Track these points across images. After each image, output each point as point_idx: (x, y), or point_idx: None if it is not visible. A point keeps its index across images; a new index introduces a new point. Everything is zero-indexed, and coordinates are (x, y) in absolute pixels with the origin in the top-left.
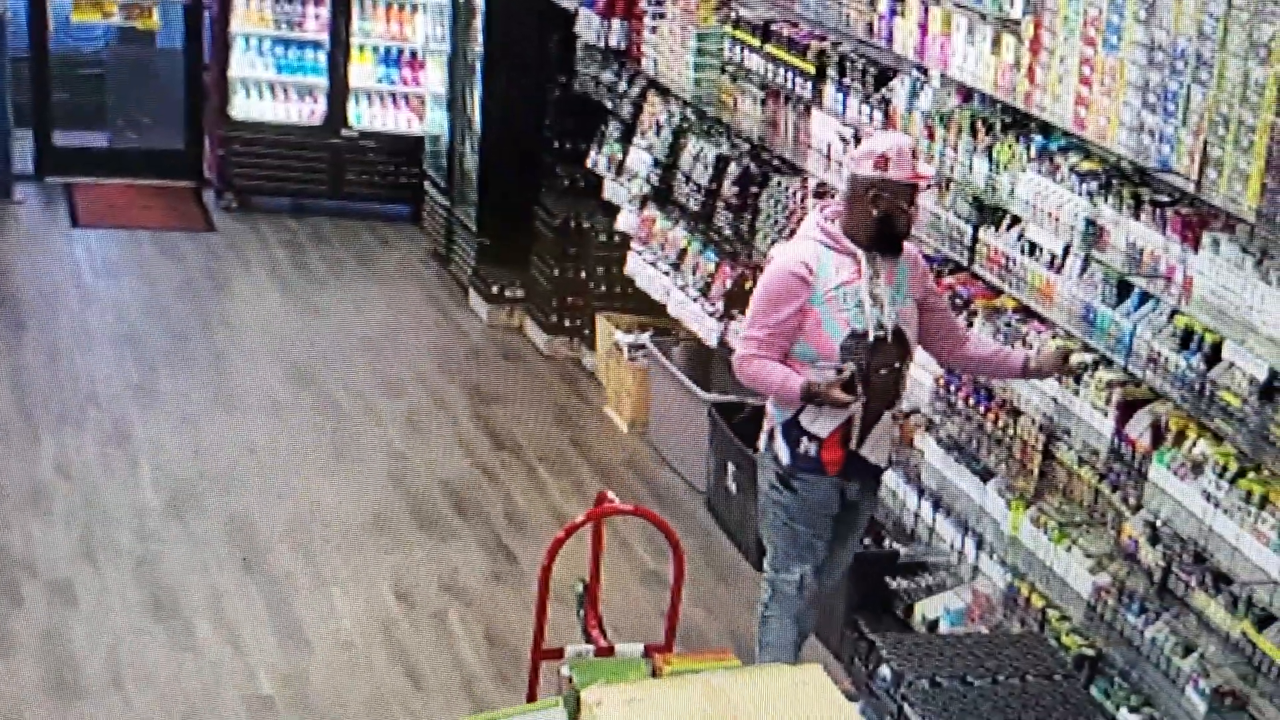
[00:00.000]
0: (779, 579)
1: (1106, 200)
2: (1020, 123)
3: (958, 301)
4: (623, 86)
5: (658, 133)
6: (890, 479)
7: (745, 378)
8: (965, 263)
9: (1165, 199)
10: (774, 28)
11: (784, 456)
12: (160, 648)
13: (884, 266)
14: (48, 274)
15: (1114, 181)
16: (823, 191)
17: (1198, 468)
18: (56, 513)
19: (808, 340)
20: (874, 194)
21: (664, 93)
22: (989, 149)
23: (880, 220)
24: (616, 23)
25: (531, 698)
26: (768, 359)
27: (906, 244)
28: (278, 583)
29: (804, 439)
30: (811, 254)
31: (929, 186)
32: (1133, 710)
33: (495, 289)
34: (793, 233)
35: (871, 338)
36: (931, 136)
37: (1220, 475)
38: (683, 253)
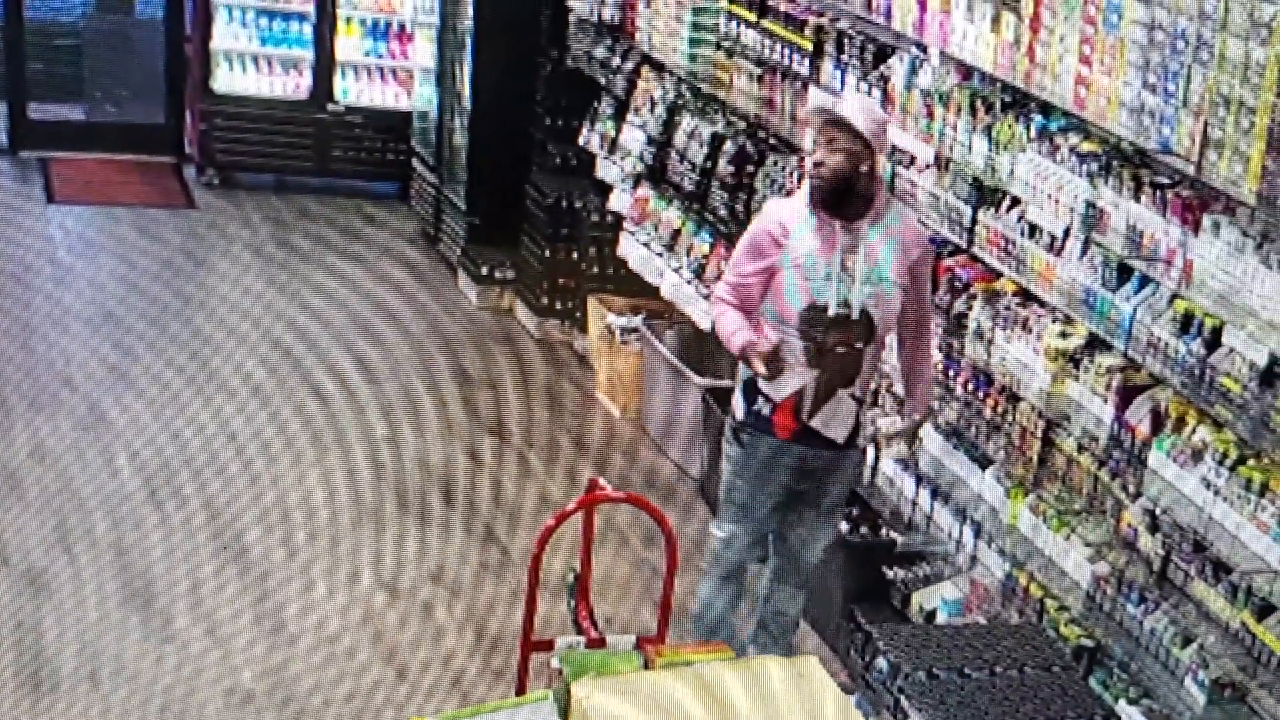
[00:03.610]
0: (713, 533)
1: (1107, 182)
2: (1020, 102)
3: (956, 284)
4: (616, 62)
5: (652, 110)
6: (888, 466)
7: (714, 323)
8: (964, 244)
9: (1165, 181)
10: (771, 3)
11: (739, 411)
12: (137, 640)
13: (866, 243)
14: (21, 252)
15: (1114, 163)
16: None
17: (1197, 455)
18: (30, 499)
19: (771, 302)
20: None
21: (658, 69)
22: (988, 129)
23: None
24: None
25: (521, 690)
26: (731, 308)
27: (911, 228)
28: (259, 573)
29: (759, 397)
30: (791, 216)
31: (916, 164)
32: (1131, 702)
33: (485, 270)
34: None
35: (832, 313)
36: (931, 115)
37: (1220, 462)
38: (677, 233)
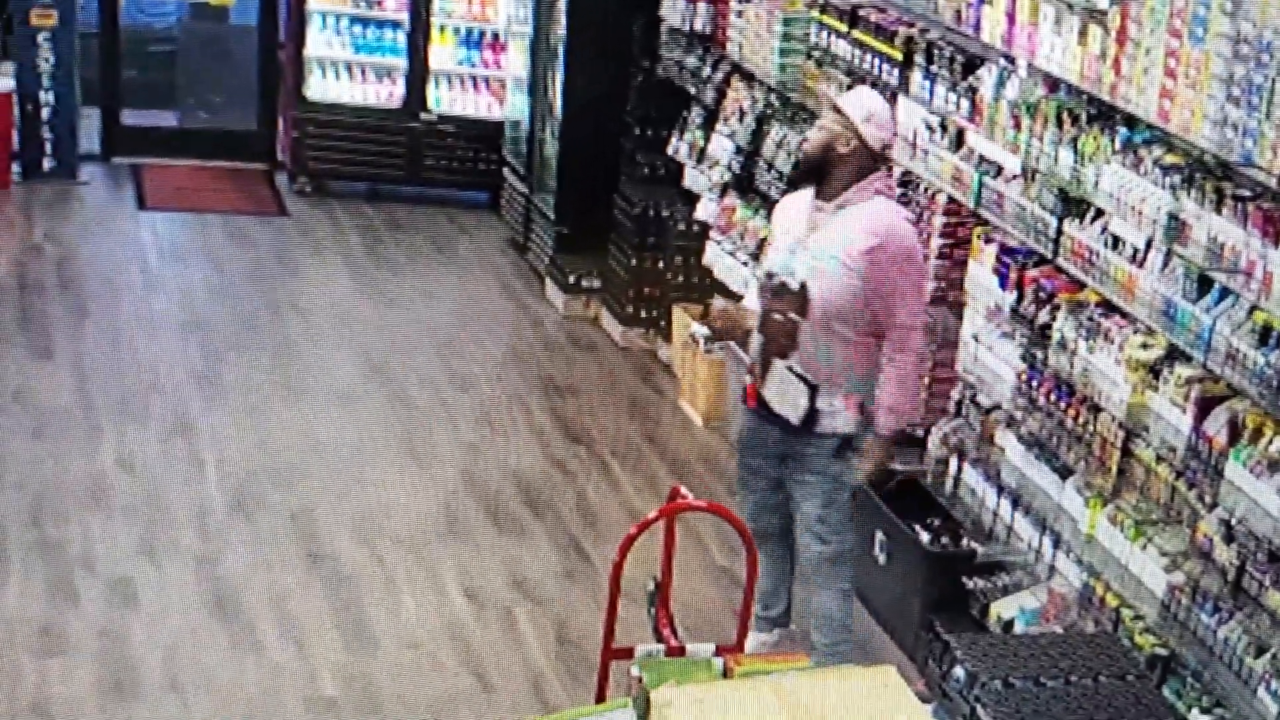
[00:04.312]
0: None
1: (1189, 194)
2: (1105, 114)
3: (1041, 295)
4: (706, 72)
5: (740, 119)
6: (970, 477)
7: None
8: (1050, 255)
9: (1247, 193)
10: (861, 13)
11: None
12: (220, 648)
13: (830, 221)
14: (112, 258)
15: (1196, 175)
16: (907, 180)
17: (1274, 465)
18: (116, 507)
19: None
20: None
21: (748, 78)
22: (1074, 140)
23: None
24: (702, 6)
25: (601, 698)
26: None
27: (878, 219)
28: (343, 581)
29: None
30: (798, 195)
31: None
32: (1204, 711)
33: (572, 279)
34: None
35: (775, 280)
36: (1018, 126)
37: None
38: (762, 242)
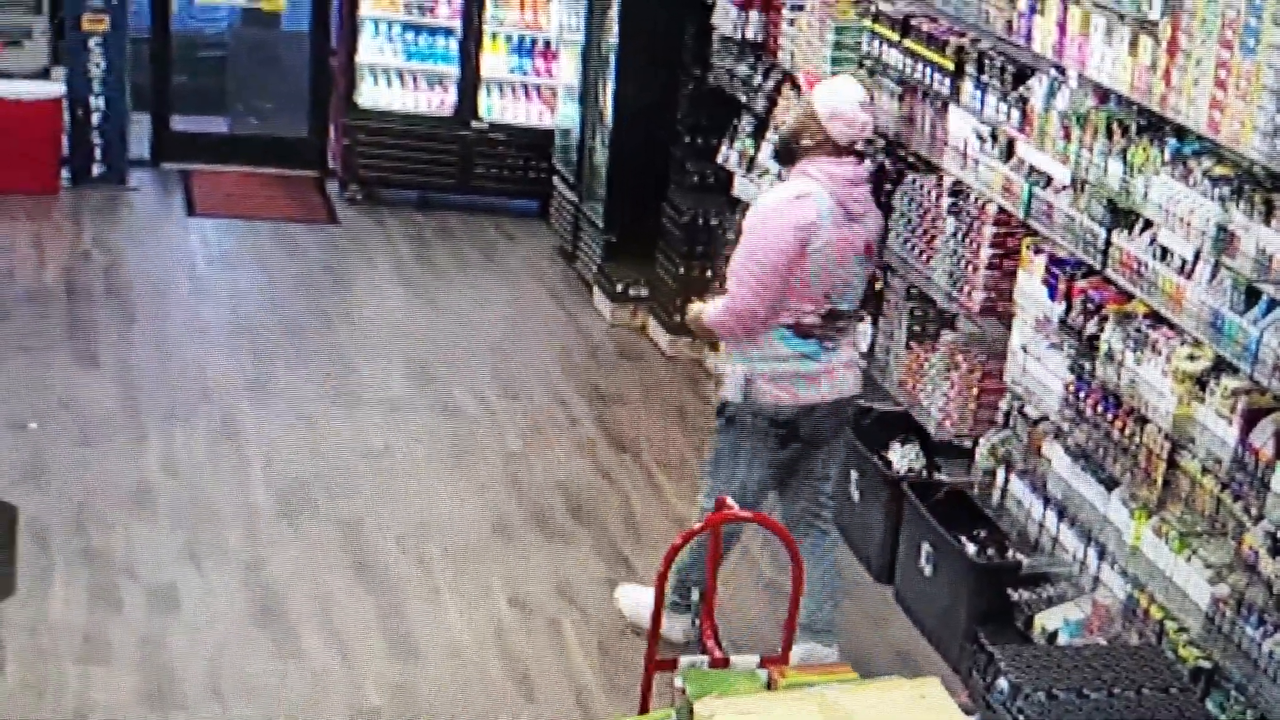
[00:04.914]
0: None
1: (1238, 205)
2: (1155, 125)
3: (1089, 306)
4: (758, 80)
5: None
6: (1017, 488)
7: None
8: (1098, 266)
9: None
10: (913, 22)
11: None
12: (264, 656)
13: None
14: (161, 264)
15: (1245, 187)
16: (958, 190)
17: None
18: (161, 513)
19: None
20: None
21: (799, 87)
22: (1124, 151)
23: None
24: (754, 14)
25: (644, 709)
26: None
27: (766, 194)
28: (389, 589)
29: None
30: None
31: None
32: None
33: (620, 287)
34: (926, 231)
35: None
36: (1068, 137)
37: None
38: None
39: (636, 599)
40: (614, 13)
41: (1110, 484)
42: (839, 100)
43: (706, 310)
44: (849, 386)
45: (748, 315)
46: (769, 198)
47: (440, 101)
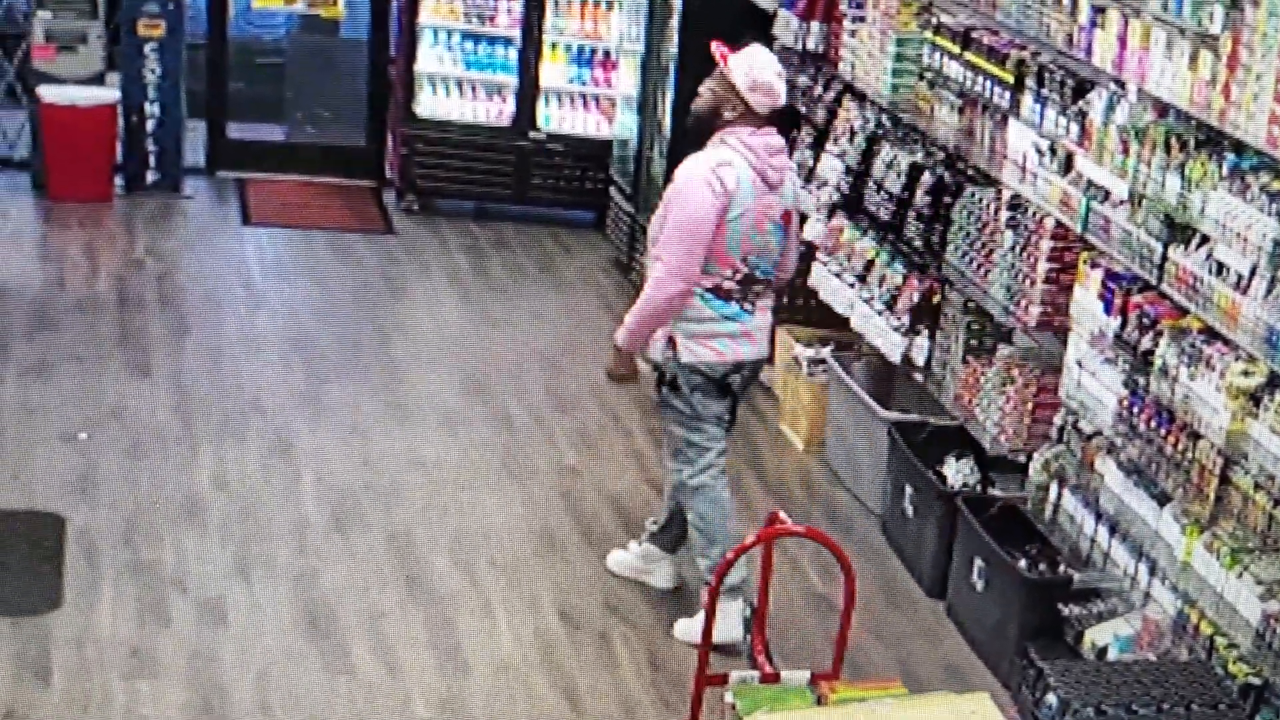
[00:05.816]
0: None
1: None
2: (1214, 140)
3: (1144, 321)
4: (818, 91)
5: (851, 139)
6: (1069, 503)
7: None
8: (1154, 281)
9: None
10: (974, 35)
11: None
12: (313, 670)
13: None
14: (215, 274)
15: None
16: (1017, 203)
17: None
18: (211, 527)
19: None
20: None
21: (860, 98)
22: (1181, 166)
23: None
24: (815, 25)
25: None
26: None
27: (687, 164)
28: (439, 602)
29: None
30: None
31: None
32: None
33: None
34: (984, 245)
35: None
36: (1126, 151)
37: None
38: (869, 264)
39: (687, 628)
40: (675, 23)
41: (1162, 499)
42: (758, 71)
43: (635, 306)
44: (764, 349)
45: (682, 275)
46: (688, 167)
47: (499, 111)
